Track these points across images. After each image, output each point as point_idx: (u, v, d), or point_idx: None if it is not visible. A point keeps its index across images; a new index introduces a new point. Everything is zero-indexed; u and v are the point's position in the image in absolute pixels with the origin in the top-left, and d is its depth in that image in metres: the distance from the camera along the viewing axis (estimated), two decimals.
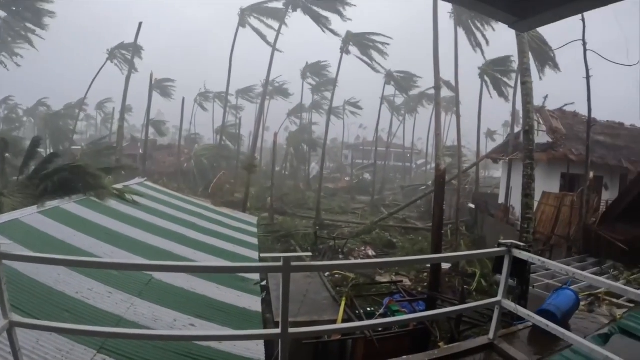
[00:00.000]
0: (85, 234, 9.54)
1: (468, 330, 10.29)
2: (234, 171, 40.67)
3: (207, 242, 12.70)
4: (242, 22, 38.52)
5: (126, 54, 39.77)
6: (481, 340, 4.67)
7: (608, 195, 21.70)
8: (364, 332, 8.47)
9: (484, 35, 31.54)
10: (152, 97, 41.01)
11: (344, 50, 38.22)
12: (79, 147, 42.62)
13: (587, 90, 17.54)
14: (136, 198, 13.93)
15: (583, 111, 19.83)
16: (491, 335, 4.62)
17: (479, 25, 30.82)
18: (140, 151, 45.18)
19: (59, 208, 10.57)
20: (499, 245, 4.45)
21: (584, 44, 16.56)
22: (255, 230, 17.02)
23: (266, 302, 9.37)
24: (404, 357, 4.15)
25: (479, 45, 31.97)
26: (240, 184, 35.14)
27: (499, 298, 4.54)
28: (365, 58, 39.45)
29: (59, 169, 12.57)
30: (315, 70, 53.63)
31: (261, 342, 6.60)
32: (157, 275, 8.19)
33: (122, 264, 5.28)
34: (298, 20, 36.55)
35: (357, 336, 8.70)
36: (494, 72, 34.45)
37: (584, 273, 4.65)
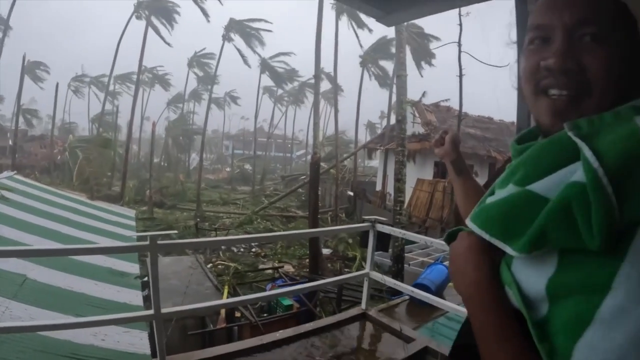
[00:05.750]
0: None
1: (350, 308, 10.83)
2: (111, 163, 38.71)
3: (83, 237, 12.16)
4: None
5: None
6: (355, 311, 4.96)
7: (478, 181, 23.65)
8: (249, 319, 8.68)
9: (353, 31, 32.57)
10: (23, 82, 37.71)
11: (226, 37, 37.83)
12: None
13: (459, 87, 19.22)
14: (5, 193, 13.08)
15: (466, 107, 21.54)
16: (363, 305, 4.93)
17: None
18: (10, 142, 41.76)
19: None
20: (364, 221, 4.82)
21: (459, 45, 18.14)
22: (133, 224, 16.51)
23: (150, 300, 9.25)
24: (280, 330, 4.31)
25: (362, 27, 32.70)
26: (118, 177, 33.72)
27: (367, 270, 4.90)
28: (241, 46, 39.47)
29: None
30: (200, 61, 52.10)
31: (145, 337, 6.55)
32: (32, 274, 7.84)
33: None
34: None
35: (243, 322, 8.86)
36: (375, 59, 35.82)
37: (440, 241, 5.07)
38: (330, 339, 4.32)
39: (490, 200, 0.90)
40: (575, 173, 0.71)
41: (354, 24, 32.61)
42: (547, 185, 0.75)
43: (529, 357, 0.73)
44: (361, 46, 34.97)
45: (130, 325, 6.26)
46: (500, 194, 0.86)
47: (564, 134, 0.76)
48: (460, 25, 17.74)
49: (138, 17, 36.28)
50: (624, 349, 0.60)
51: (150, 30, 35.93)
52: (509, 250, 0.78)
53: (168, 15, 36.87)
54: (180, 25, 37.73)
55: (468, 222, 0.91)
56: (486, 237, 0.82)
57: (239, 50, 39.56)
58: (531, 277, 0.76)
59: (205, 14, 35.60)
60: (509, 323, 0.79)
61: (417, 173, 22.18)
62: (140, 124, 59.57)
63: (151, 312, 3.39)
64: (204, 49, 50.49)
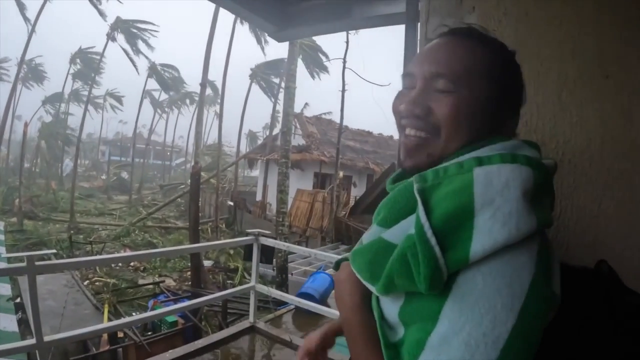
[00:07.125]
0: None
1: (236, 321, 10.73)
2: None
3: None
4: None
5: None
6: (244, 325, 4.97)
7: (356, 192, 24.83)
8: (133, 339, 8.36)
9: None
10: None
11: (110, 36, 36.13)
12: None
13: (341, 101, 19.99)
14: None
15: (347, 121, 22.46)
16: (251, 318, 4.95)
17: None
18: None
19: None
20: (247, 234, 4.86)
21: (344, 62, 18.83)
22: (2, 237, 15.31)
23: (25, 323, 8.61)
24: (169, 350, 4.20)
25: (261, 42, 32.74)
26: None
27: (252, 283, 4.96)
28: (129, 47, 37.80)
29: None
30: (86, 57, 48.43)
31: None
32: None
33: None
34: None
35: (127, 343, 8.51)
36: (265, 74, 36.04)
37: (322, 252, 5.24)
38: (222, 355, 4.31)
39: (365, 238, 1.00)
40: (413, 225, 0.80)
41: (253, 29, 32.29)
42: (396, 234, 0.85)
43: None
44: (264, 45, 34.55)
45: (6, 356, 5.79)
46: (369, 234, 0.97)
47: (412, 184, 0.85)
48: (347, 43, 18.52)
49: None
50: None
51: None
52: (374, 291, 0.87)
53: None
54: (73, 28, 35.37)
55: (350, 261, 0.99)
56: (361, 279, 0.91)
57: (125, 51, 37.85)
58: (390, 305, 0.87)
59: (101, 13, 33.62)
60: (372, 342, 0.89)
61: (297, 183, 22.71)
62: (10, 124, 54.59)
63: (33, 341, 3.14)
64: (93, 46, 47.44)
